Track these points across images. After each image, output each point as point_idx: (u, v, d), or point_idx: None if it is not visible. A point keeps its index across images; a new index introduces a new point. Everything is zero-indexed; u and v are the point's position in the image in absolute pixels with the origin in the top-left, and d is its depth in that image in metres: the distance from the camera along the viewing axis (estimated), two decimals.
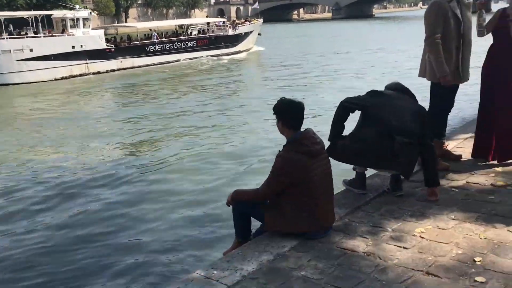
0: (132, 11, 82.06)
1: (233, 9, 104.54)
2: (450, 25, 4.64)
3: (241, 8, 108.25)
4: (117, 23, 58.73)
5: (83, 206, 7.51)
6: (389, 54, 29.68)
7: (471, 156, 4.98)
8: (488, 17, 4.79)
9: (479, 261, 3.05)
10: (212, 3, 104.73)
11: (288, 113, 3.47)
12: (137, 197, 7.87)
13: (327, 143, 3.94)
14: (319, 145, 3.48)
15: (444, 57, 4.66)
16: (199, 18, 55.67)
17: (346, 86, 18.09)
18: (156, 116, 15.07)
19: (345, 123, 4.12)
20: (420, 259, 3.14)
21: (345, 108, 4.09)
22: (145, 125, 13.84)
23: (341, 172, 4.48)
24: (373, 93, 4.16)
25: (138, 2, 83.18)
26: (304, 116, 3.50)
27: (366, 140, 3.94)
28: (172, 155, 10.39)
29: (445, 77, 4.63)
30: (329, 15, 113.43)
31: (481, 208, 3.86)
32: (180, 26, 36.88)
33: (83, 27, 28.37)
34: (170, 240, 6.06)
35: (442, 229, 3.55)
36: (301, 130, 3.51)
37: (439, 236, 3.44)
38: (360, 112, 4.13)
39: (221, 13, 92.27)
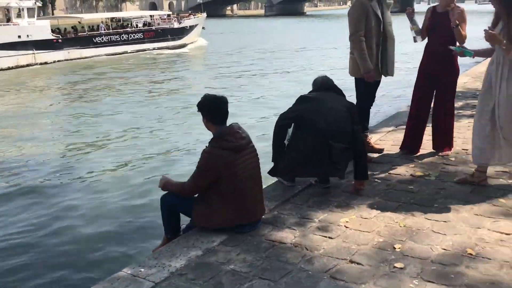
0: (59, 3, 78.34)
1: (166, 3, 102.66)
2: (371, 23, 4.83)
3: (174, 2, 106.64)
4: (43, 15, 56.02)
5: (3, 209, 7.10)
6: (325, 51, 30.46)
7: (400, 148, 5.21)
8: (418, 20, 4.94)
9: (399, 248, 3.21)
10: None
11: (212, 109, 3.48)
12: (64, 194, 7.56)
13: (269, 165, 4.11)
14: (244, 139, 3.50)
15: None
16: (144, 11, 54.07)
17: (285, 82, 18.54)
18: (94, 112, 14.60)
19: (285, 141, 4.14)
20: (344, 248, 3.25)
21: (282, 127, 4.09)
22: (80, 122, 13.33)
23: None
24: (301, 100, 4.17)
25: None
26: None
27: (303, 150, 3.95)
28: (105, 152, 10.08)
29: (368, 73, 4.82)
30: (262, 11, 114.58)
31: (401, 197, 4.07)
32: (112, 19, 36.75)
33: (28, 17, 27.45)
34: (99, 240, 5.87)
35: (365, 218, 3.70)
36: (226, 125, 3.53)
37: (362, 226, 3.58)
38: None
39: (153, 7, 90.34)
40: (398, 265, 3.01)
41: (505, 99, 3.92)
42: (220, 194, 3.45)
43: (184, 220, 3.83)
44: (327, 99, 4.11)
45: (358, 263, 3.05)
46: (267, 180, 4.28)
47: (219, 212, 3.44)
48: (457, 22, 4.52)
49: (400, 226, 3.54)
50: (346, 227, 3.57)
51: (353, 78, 5.07)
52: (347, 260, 3.09)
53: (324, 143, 3.88)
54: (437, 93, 4.95)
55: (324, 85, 4.27)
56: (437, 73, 4.81)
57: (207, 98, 3.51)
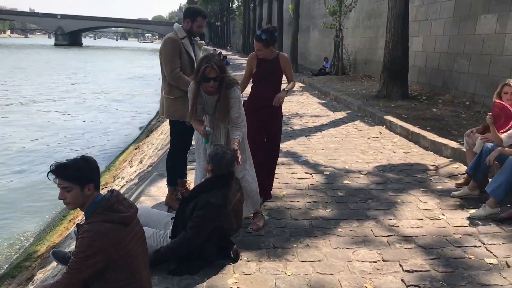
0: None
1: None
2: (185, 62, 4.57)
3: None
4: None
5: None
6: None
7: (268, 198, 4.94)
8: None
9: None
10: None
11: (96, 170, 2.60)
12: None
13: None
14: (132, 208, 2.72)
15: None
16: None
17: None
18: None
19: None
20: None
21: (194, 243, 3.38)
22: None
23: None
24: (213, 209, 3.39)
25: None
26: None
27: (209, 256, 3.47)
28: None
29: None
30: None
31: (259, 243, 3.93)
32: None
33: None
34: None
35: (250, 274, 3.41)
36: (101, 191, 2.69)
37: (255, 284, 3.27)
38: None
39: None
40: None
41: None
42: (107, 284, 2.56)
43: None
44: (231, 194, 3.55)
45: None
46: None
47: None
48: (282, 99, 4.58)
49: (289, 275, 3.40)
50: None
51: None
52: None
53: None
54: (268, 139, 4.83)
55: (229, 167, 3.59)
56: (269, 118, 4.72)
57: (89, 160, 2.59)
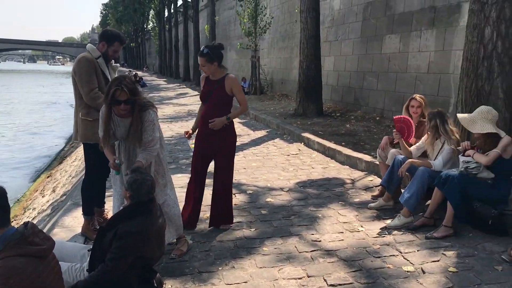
0: None
1: None
2: (101, 82, 4.41)
3: None
4: None
5: None
6: None
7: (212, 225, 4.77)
8: None
9: None
10: None
11: None
12: None
13: None
14: (49, 240, 2.53)
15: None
16: None
17: None
18: None
19: None
20: None
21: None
22: None
23: None
24: (131, 236, 3.16)
25: None
26: None
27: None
28: None
29: None
30: None
31: (184, 269, 3.83)
32: None
33: None
34: None
35: None
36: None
37: None
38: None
39: None
40: None
41: None
42: None
43: None
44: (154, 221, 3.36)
45: None
46: None
47: None
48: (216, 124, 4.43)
49: None
50: None
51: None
52: None
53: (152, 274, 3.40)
54: (216, 162, 4.67)
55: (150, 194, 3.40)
56: (214, 139, 4.53)
57: None
